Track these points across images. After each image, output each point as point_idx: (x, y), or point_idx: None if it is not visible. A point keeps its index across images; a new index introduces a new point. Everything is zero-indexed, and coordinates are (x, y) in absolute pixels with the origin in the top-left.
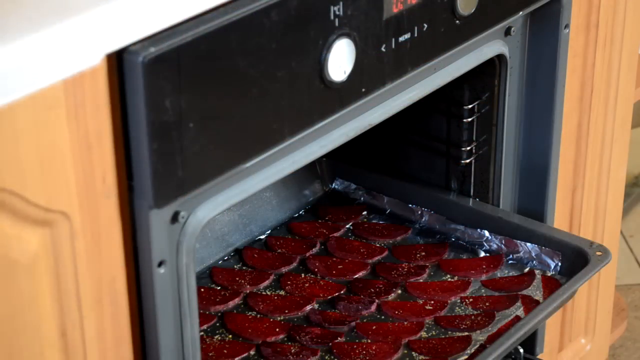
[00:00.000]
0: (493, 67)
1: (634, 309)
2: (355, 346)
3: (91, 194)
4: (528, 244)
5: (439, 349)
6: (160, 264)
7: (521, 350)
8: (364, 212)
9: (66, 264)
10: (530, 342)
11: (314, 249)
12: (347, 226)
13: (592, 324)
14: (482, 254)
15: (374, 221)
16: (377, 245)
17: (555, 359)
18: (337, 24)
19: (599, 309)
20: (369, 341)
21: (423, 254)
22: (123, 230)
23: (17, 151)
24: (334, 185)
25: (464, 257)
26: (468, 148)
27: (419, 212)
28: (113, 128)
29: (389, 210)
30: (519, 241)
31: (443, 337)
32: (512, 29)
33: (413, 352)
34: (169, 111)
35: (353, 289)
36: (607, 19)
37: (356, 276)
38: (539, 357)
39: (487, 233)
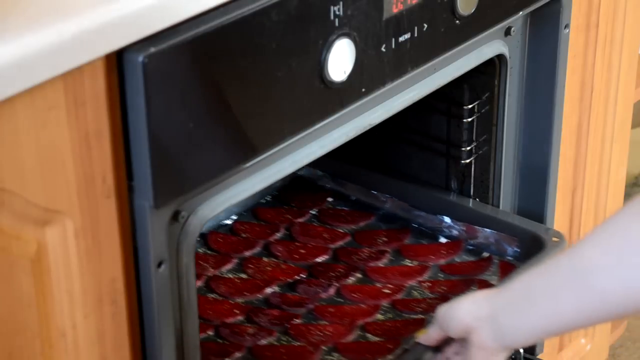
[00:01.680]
0: (493, 67)
1: None
2: (311, 327)
3: (91, 193)
4: (487, 230)
5: (393, 330)
6: (160, 264)
7: (521, 351)
8: (329, 199)
9: (66, 264)
10: None
11: (278, 234)
12: (312, 212)
13: None
14: (443, 240)
15: (338, 207)
16: (340, 230)
17: (555, 359)
18: (337, 24)
19: None
20: (326, 323)
21: (384, 239)
22: (123, 230)
23: (17, 151)
24: (300, 172)
25: (425, 243)
26: (468, 148)
27: (383, 199)
28: (113, 128)
29: (353, 198)
30: (478, 227)
31: (398, 319)
32: (512, 29)
33: (367, 334)
34: (169, 111)
35: (314, 273)
36: (607, 19)
37: (318, 260)
38: (539, 357)
39: (447, 219)
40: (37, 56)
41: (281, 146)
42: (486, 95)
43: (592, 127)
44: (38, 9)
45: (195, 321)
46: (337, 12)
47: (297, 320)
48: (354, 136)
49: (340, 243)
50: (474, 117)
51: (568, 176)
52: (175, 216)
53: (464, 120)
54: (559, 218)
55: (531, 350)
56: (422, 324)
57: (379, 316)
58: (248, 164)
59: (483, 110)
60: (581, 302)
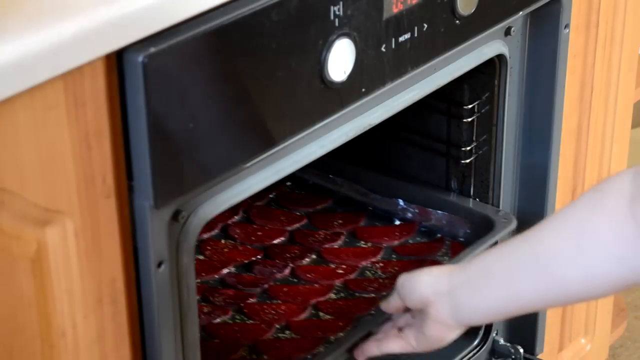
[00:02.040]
0: (493, 67)
1: (634, 309)
2: (265, 306)
3: (91, 193)
4: (439, 212)
5: (345, 309)
6: (160, 264)
7: (521, 350)
8: (288, 183)
9: (66, 264)
10: (530, 342)
11: (236, 217)
12: (271, 195)
13: (592, 324)
14: (397, 223)
15: (296, 191)
16: (297, 213)
17: (555, 359)
18: (337, 24)
19: (598, 309)
20: (280, 302)
21: (340, 222)
22: (123, 230)
23: (17, 151)
24: None
25: (379, 225)
26: (468, 148)
27: (340, 183)
28: (113, 128)
29: (311, 182)
30: (431, 210)
31: (350, 298)
32: (512, 29)
33: (320, 312)
34: (169, 111)
35: (270, 254)
36: (607, 19)
37: (274, 242)
38: (539, 357)
39: (401, 202)
40: (37, 56)
41: (281, 146)
42: (486, 95)
43: (592, 127)
44: (38, 9)
45: (196, 321)
46: (337, 12)
47: (251, 300)
48: (354, 136)
49: (296, 225)
50: (474, 117)
51: (568, 176)
52: (175, 216)
53: (464, 120)
54: None
55: (531, 350)
56: (373, 302)
57: (332, 295)
58: (248, 164)
59: (483, 110)
60: (540, 286)
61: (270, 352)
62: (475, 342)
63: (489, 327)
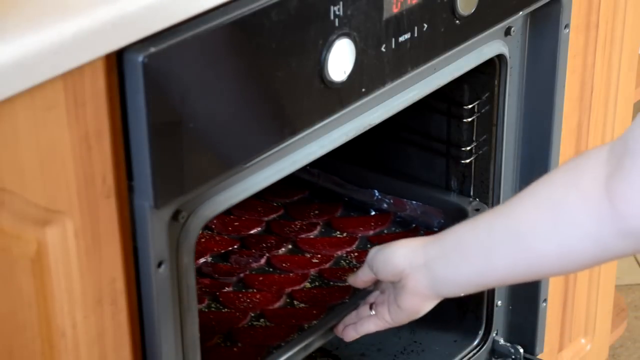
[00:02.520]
0: (493, 67)
1: (634, 309)
2: (240, 295)
3: (91, 193)
4: (414, 203)
5: (319, 297)
6: (160, 264)
7: (521, 350)
8: None
9: (66, 264)
10: (530, 342)
11: None
12: None
13: (592, 324)
14: (373, 213)
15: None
16: (274, 204)
17: (555, 359)
18: (337, 24)
19: (599, 309)
20: (255, 291)
21: (317, 212)
22: (123, 230)
23: (17, 151)
24: None
25: (355, 216)
26: (468, 148)
27: (316, 174)
28: (113, 128)
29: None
30: (406, 200)
31: (325, 287)
32: (512, 29)
33: (294, 301)
34: (169, 111)
35: (246, 244)
36: (607, 19)
37: (251, 232)
38: (539, 357)
39: (377, 193)
40: (37, 56)
41: (281, 146)
42: (486, 95)
43: (592, 127)
44: (38, 8)
45: (196, 321)
46: (337, 12)
47: (227, 289)
48: (354, 136)
49: (273, 216)
50: (474, 117)
51: None
52: (175, 216)
53: (464, 120)
54: None
55: (531, 350)
56: (347, 291)
57: (307, 284)
58: (248, 164)
59: (483, 110)
60: (516, 261)
61: (244, 339)
62: (475, 342)
63: (489, 327)
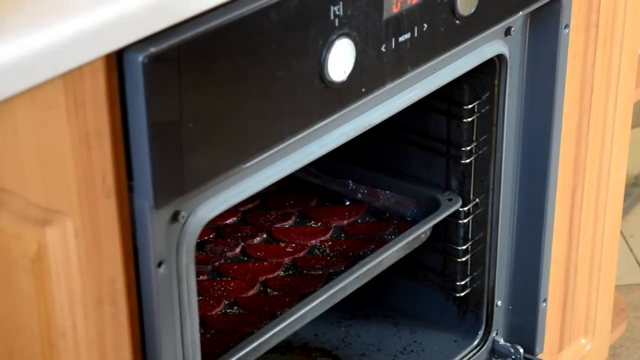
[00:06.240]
0: (493, 67)
1: (634, 309)
2: (215, 283)
3: (91, 193)
4: (388, 193)
5: (292, 285)
6: (160, 264)
7: (521, 350)
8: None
9: (66, 264)
10: (530, 342)
11: None
12: None
13: (592, 324)
14: (347, 203)
15: None
16: None
17: (555, 359)
18: (337, 24)
19: (598, 309)
20: (229, 279)
21: (292, 202)
22: (123, 230)
23: (17, 151)
24: None
25: (329, 206)
26: (468, 148)
27: None
28: (113, 128)
29: None
30: (380, 190)
31: (298, 275)
32: (512, 29)
33: (268, 289)
34: (169, 111)
35: (221, 234)
36: (607, 19)
37: (226, 222)
38: (539, 357)
39: (351, 183)
40: (37, 56)
41: (281, 146)
42: (486, 95)
43: (592, 127)
44: (38, 9)
45: (196, 321)
46: (337, 12)
47: (202, 277)
48: (354, 136)
49: (249, 206)
50: (474, 117)
51: (568, 176)
52: (175, 216)
53: (464, 120)
54: (559, 218)
55: (531, 350)
56: (320, 279)
57: (281, 273)
58: (248, 164)
59: (483, 110)
60: None
61: (217, 326)
62: (475, 342)
63: (489, 327)
